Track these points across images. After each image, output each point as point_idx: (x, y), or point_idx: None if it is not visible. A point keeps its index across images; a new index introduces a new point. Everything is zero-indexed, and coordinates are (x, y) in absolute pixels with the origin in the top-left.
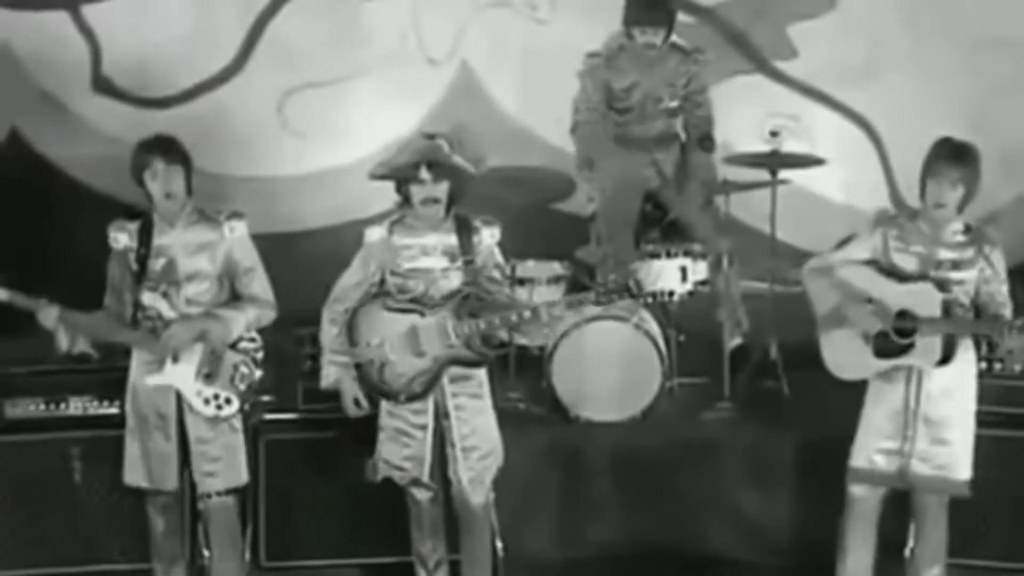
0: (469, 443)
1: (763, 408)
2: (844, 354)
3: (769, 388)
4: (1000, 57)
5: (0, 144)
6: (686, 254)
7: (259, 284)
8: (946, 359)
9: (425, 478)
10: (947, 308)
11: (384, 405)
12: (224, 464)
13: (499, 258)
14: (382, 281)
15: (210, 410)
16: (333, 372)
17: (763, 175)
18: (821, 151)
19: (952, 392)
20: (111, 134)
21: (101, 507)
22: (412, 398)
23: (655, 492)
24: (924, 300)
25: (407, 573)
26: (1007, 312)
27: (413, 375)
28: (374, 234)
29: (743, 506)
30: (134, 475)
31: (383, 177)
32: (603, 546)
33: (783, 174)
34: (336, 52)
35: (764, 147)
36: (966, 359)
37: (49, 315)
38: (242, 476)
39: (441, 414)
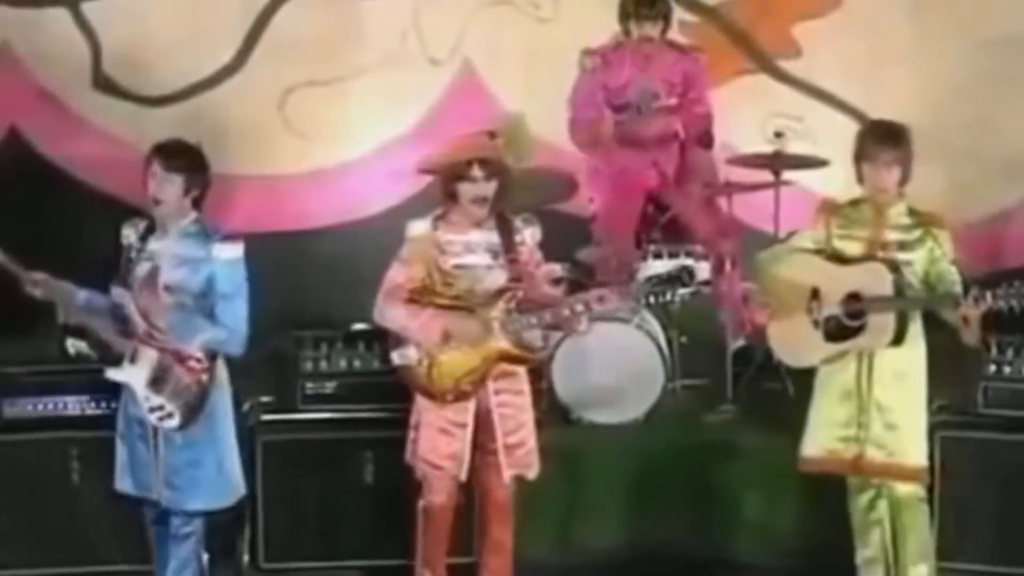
0: (512, 440)
1: (766, 410)
2: (794, 340)
3: (772, 390)
4: (1007, 56)
5: None
6: (688, 255)
7: (232, 313)
8: (899, 338)
9: (464, 476)
10: (898, 286)
11: (421, 401)
12: (190, 481)
13: (540, 256)
14: (429, 276)
15: (153, 418)
16: (434, 326)
17: (766, 176)
18: (825, 151)
19: (904, 376)
20: (111, 133)
21: (100, 507)
22: (460, 397)
23: (657, 494)
24: (874, 280)
25: (406, 575)
26: (958, 290)
27: (461, 374)
28: (418, 228)
29: (746, 508)
30: (123, 481)
31: (432, 172)
32: (605, 549)
33: (786, 175)
34: (337, 50)
35: (767, 148)
36: (918, 342)
37: (36, 285)
38: (209, 500)
39: (483, 412)
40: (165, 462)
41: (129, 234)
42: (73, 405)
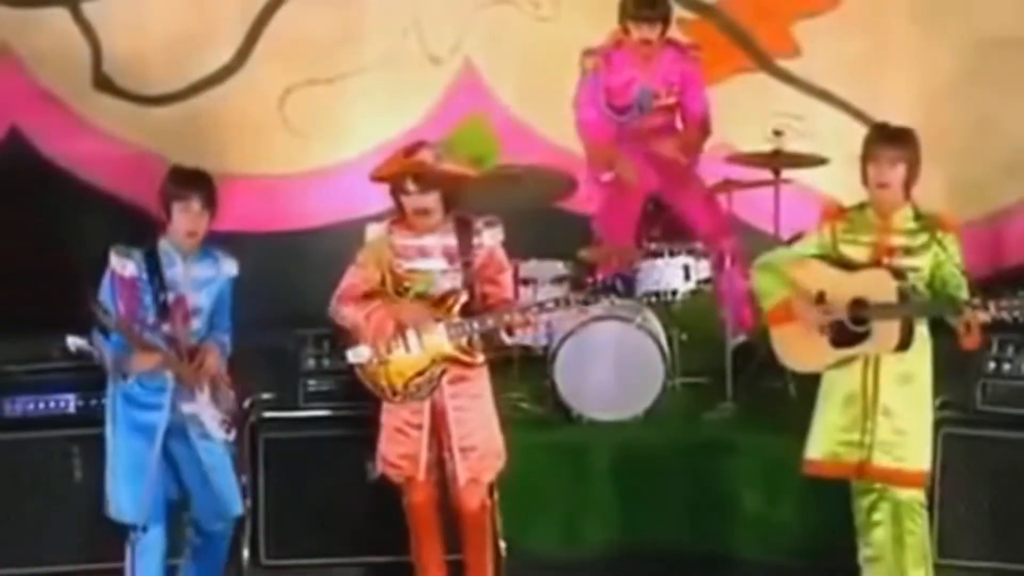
0: (467, 443)
1: (766, 408)
2: (799, 345)
3: (772, 387)
4: (1006, 56)
5: None
6: (689, 253)
7: (228, 318)
8: (905, 344)
9: (421, 476)
10: (902, 293)
11: (384, 403)
12: (232, 491)
13: (501, 259)
14: (383, 279)
15: (222, 433)
16: (382, 315)
17: (766, 174)
18: (824, 150)
19: (910, 380)
20: (112, 132)
21: (101, 504)
22: (408, 398)
23: (657, 492)
24: (879, 287)
25: (407, 572)
26: (962, 295)
27: (411, 375)
28: (375, 231)
29: (745, 506)
30: (127, 509)
31: (383, 180)
32: (605, 546)
33: (786, 173)
34: (337, 49)
35: (767, 146)
36: (922, 346)
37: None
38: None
39: (439, 414)
40: (211, 478)
41: (129, 265)
42: (74, 403)
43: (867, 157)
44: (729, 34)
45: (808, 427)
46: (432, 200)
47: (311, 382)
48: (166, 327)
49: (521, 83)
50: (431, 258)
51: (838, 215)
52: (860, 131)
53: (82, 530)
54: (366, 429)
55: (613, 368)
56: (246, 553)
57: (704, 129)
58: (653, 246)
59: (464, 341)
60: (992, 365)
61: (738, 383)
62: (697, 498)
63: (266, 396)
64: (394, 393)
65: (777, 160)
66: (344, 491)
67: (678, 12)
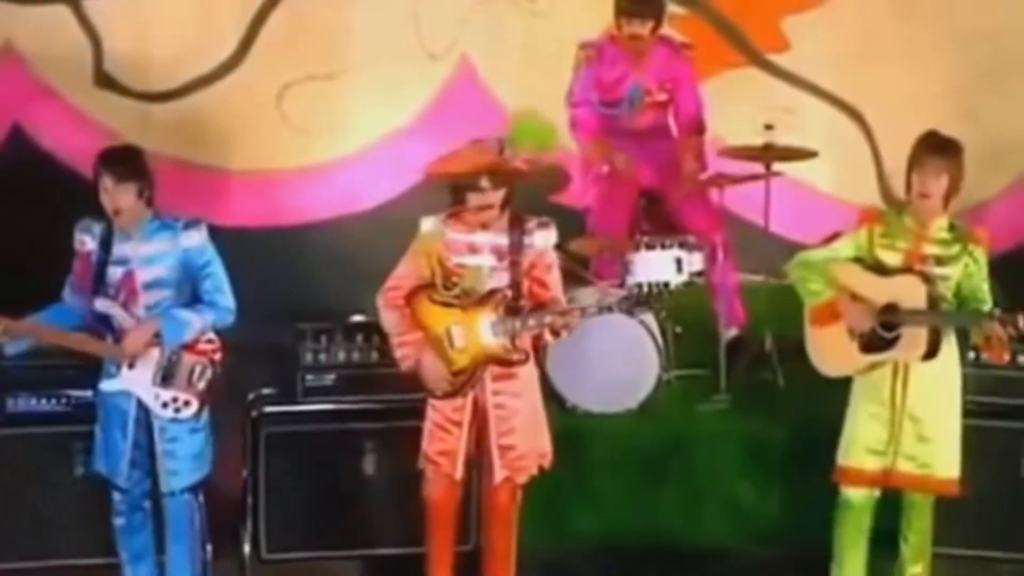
0: (505, 442)
1: (759, 400)
2: (830, 350)
3: (765, 380)
4: (990, 47)
5: (1, 139)
6: (681, 245)
7: (217, 289)
8: (932, 352)
9: (458, 474)
10: (932, 300)
11: (429, 400)
12: (188, 462)
13: (550, 260)
14: (432, 272)
15: (168, 413)
16: (410, 352)
17: (757, 167)
18: (813, 143)
19: (937, 387)
20: (113, 128)
21: (103, 500)
22: (448, 394)
23: (651, 484)
24: (909, 293)
25: (408, 565)
26: (986, 308)
27: (451, 371)
28: (427, 224)
29: (739, 497)
30: (98, 463)
31: (443, 177)
32: (599, 537)
33: (776, 166)
34: (335, 46)
35: (758, 140)
36: (950, 353)
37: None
38: (204, 469)
39: (480, 411)
40: (167, 450)
41: (86, 240)
42: (76, 399)
43: (913, 164)
44: (719, 29)
45: (800, 418)
46: (499, 197)
47: (310, 376)
48: (99, 302)
49: (517, 78)
50: (480, 255)
51: (876, 219)
52: (849, 124)
53: (83, 525)
54: (365, 423)
55: (607, 360)
56: (247, 548)
57: (700, 130)
58: (646, 239)
59: (508, 339)
60: (973, 355)
61: (732, 375)
62: (691, 490)
63: (266, 391)
64: (434, 388)
65: (768, 154)
66: (343, 485)
67: (669, 7)
